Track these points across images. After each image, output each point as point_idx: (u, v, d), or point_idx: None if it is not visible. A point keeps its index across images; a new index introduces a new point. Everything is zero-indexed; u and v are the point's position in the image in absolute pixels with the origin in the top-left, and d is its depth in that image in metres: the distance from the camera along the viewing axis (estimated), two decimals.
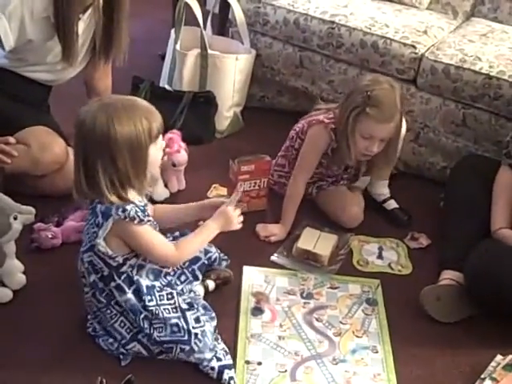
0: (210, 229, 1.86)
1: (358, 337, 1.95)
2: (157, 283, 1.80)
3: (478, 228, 2.17)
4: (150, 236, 1.74)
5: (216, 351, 1.78)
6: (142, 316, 1.76)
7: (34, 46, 2.15)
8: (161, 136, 1.74)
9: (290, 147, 2.43)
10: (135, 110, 1.68)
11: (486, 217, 2.17)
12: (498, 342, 1.95)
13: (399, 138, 2.27)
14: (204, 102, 2.76)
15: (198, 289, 1.96)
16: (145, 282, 1.77)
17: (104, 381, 1.64)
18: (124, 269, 1.76)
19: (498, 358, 1.88)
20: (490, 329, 2.00)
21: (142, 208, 1.73)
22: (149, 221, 1.73)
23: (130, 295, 1.76)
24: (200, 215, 1.96)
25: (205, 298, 1.94)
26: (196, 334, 1.74)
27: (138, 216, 1.69)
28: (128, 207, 1.68)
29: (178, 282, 1.90)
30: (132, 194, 1.71)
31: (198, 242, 1.86)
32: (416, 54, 2.59)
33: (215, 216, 1.87)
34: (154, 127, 1.68)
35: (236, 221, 1.89)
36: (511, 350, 1.90)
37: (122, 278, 1.76)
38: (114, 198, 1.67)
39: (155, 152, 1.72)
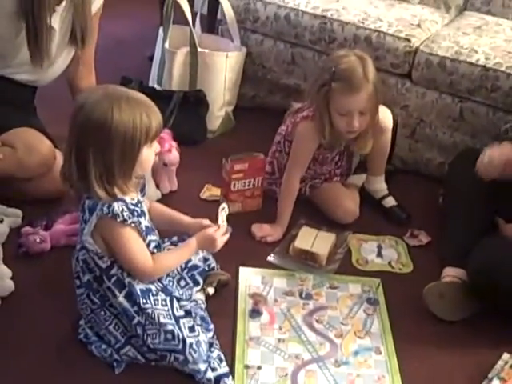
0: (191, 249, 1.79)
1: (360, 338, 1.89)
2: (152, 287, 1.72)
3: (478, 223, 2.11)
4: (130, 240, 1.65)
5: (210, 362, 1.71)
6: (135, 321, 1.68)
7: (6, 44, 2.08)
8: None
9: (278, 152, 2.37)
10: (139, 104, 1.61)
11: (487, 211, 2.13)
12: (504, 340, 1.90)
13: (377, 116, 2.19)
14: (194, 101, 2.70)
15: (200, 297, 1.89)
16: (138, 285, 1.70)
17: None
18: (113, 271, 1.69)
19: (505, 356, 1.83)
20: (495, 327, 1.94)
21: (130, 207, 1.65)
22: (133, 222, 1.64)
23: (121, 299, 1.69)
24: (192, 232, 1.86)
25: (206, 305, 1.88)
26: (191, 344, 1.67)
27: (123, 215, 1.61)
28: (115, 204, 1.61)
29: (178, 287, 1.84)
30: (122, 191, 1.63)
31: (176, 260, 1.79)
32: (410, 47, 2.54)
33: (200, 236, 1.79)
34: (153, 127, 1.61)
35: (220, 244, 1.81)
36: None
37: (112, 280, 1.69)
38: (101, 193, 1.59)
39: (148, 154, 1.65)
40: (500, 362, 1.81)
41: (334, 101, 2.10)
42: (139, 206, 1.70)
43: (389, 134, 2.35)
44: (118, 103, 1.57)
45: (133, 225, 1.64)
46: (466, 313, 1.97)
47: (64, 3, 2.11)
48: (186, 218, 1.90)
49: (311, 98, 2.19)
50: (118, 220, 1.61)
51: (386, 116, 2.30)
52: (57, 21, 2.11)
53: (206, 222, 1.85)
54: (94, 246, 1.67)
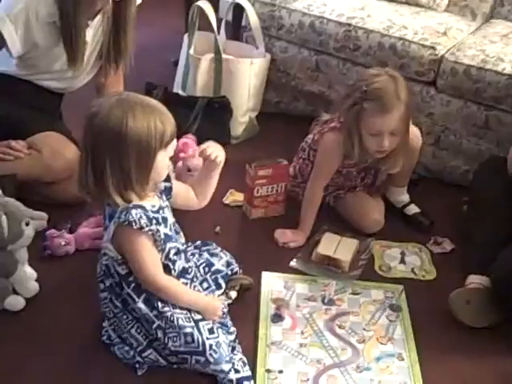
0: (196, 301, 1.75)
1: (382, 344, 1.88)
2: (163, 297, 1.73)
3: (503, 231, 2.09)
4: (143, 249, 1.66)
5: (233, 363, 1.71)
6: (155, 325, 1.69)
7: (41, 53, 2.12)
8: (172, 144, 1.68)
9: (302, 159, 2.37)
10: (152, 111, 1.63)
11: (511, 220, 2.10)
12: None
13: (407, 135, 2.17)
14: (219, 107, 2.71)
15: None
16: None
17: None
18: (132, 278, 1.70)
19: None
20: None
21: (149, 215, 1.66)
22: (150, 230, 1.65)
23: (140, 304, 1.70)
24: (207, 173, 1.90)
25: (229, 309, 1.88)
26: (210, 346, 1.67)
27: (140, 222, 1.62)
28: (133, 211, 1.62)
29: (201, 289, 1.84)
30: (139, 196, 1.64)
31: (182, 295, 1.74)
32: (436, 55, 2.53)
33: (209, 302, 1.78)
34: (167, 133, 1.63)
35: (218, 314, 1.78)
36: None
37: (131, 286, 1.70)
38: (119, 200, 1.61)
39: (163, 159, 1.65)
40: None
41: (365, 121, 2.08)
42: (161, 212, 1.71)
43: (417, 154, 2.33)
44: (132, 110, 1.59)
45: (150, 233, 1.65)
46: (491, 320, 1.95)
47: (98, 17, 2.15)
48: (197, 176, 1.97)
49: (341, 114, 2.17)
50: (135, 227, 1.62)
51: (415, 136, 2.28)
52: (90, 34, 2.15)
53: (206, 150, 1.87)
54: (114, 252, 1.68)
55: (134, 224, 1.62)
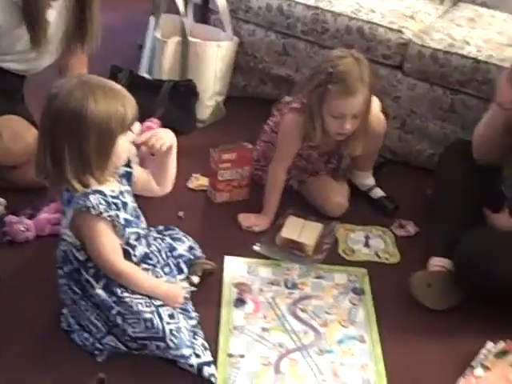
0: (157, 288, 1.72)
1: (344, 327, 1.88)
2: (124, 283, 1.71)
3: (467, 214, 2.10)
4: (102, 234, 1.63)
5: (194, 348, 1.70)
6: (115, 312, 1.67)
7: (3, 33, 2.07)
8: (135, 126, 1.65)
9: (264, 142, 2.37)
10: (114, 94, 1.60)
11: (476, 202, 2.11)
12: (489, 328, 1.89)
13: (368, 118, 2.17)
14: (185, 90, 2.68)
15: (185, 285, 1.86)
16: None
17: (104, 377, 1.56)
18: (91, 264, 1.68)
19: (489, 345, 1.82)
20: (480, 316, 1.94)
21: (109, 200, 1.63)
22: (110, 216, 1.62)
23: (99, 291, 1.68)
24: (160, 162, 1.85)
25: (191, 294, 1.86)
26: (171, 330, 1.66)
27: (98, 207, 1.60)
28: (91, 196, 1.60)
29: (162, 273, 1.82)
30: (99, 181, 1.62)
31: (142, 282, 1.70)
32: (403, 39, 2.52)
33: (170, 289, 1.75)
34: (128, 117, 1.60)
35: (179, 301, 1.76)
36: (502, 336, 1.85)
37: (91, 272, 1.68)
38: (77, 185, 1.59)
39: (123, 143, 1.63)
40: (483, 351, 1.80)
41: (328, 103, 2.07)
42: (120, 197, 1.69)
43: (381, 139, 2.34)
44: (93, 93, 1.56)
45: (109, 218, 1.63)
46: (451, 302, 1.97)
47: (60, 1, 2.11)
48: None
49: (304, 96, 2.16)
50: (93, 213, 1.60)
51: (380, 122, 2.29)
52: (53, 14, 2.11)
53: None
54: (73, 238, 1.66)
55: (92, 210, 1.60)
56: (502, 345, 1.81)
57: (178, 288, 1.79)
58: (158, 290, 1.73)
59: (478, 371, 1.73)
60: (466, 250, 1.93)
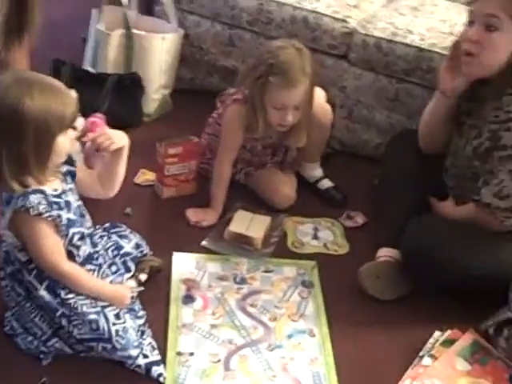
0: (103, 290, 1.69)
1: (294, 321, 1.88)
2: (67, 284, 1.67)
3: (413, 203, 2.11)
4: (43, 236, 1.59)
5: (142, 348, 1.68)
6: (59, 313, 1.64)
7: None
8: (79, 121, 1.61)
9: (209, 135, 2.35)
10: (52, 91, 1.55)
11: (422, 192, 2.13)
12: (437, 317, 1.91)
13: (311, 109, 2.16)
14: (130, 84, 2.64)
15: (132, 284, 1.84)
16: None
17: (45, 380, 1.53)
18: (33, 265, 1.64)
19: (436, 334, 1.85)
20: (428, 305, 1.96)
21: (50, 200, 1.59)
22: (50, 216, 1.58)
23: (42, 292, 1.64)
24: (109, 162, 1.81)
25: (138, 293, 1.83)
26: (117, 331, 1.63)
27: (38, 208, 1.56)
28: (31, 196, 1.55)
29: (109, 273, 1.79)
30: (38, 181, 1.58)
31: (88, 283, 1.67)
32: (347, 28, 2.52)
33: (116, 290, 1.73)
34: (67, 115, 1.56)
35: (125, 303, 1.73)
36: (449, 325, 1.87)
37: (33, 274, 1.64)
38: (15, 185, 1.54)
39: (63, 142, 1.58)
40: (431, 340, 1.83)
41: (269, 94, 2.06)
42: (63, 196, 1.65)
43: (327, 130, 2.34)
44: (31, 90, 1.51)
45: (49, 219, 1.59)
46: (400, 292, 1.99)
47: None
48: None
49: (246, 87, 2.15)
50: (33, 213, 1.56)
51: (326, 113, 2.29)
52: None
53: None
54: (13, 238, 1.62)
55: (31, 210, 1.55)
56: (448, 333, 1.83)
57: (125, 289, 1.76)
58: (104, 291, 1.70)
59: (426, 360, 1.75)
60: (411, 239, 1.95)
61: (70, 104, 1.58)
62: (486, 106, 1.92)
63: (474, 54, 1.87)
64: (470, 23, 1.88)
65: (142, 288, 1.83)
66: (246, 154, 2.30)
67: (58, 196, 1.63)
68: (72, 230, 1.67)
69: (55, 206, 1.61)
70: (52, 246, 1.62)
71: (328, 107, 2.29)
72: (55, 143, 1.57)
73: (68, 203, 1.66)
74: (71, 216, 1.67)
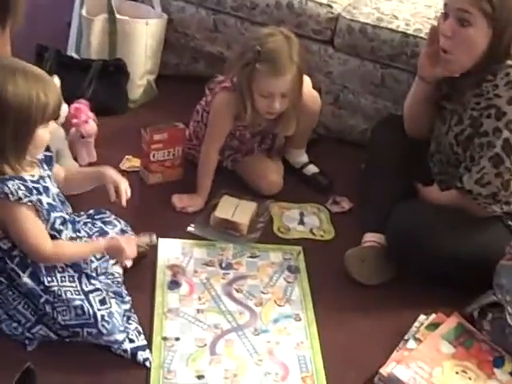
0: (96, 248, 1.74)
1: (280, 306, 1.88)
2: (58, 264, 1.67)
3: (399, 188, 2.12)
4: (25, 220, 1.58)
5: (128, 332, 1.68)
6: (43, 300, 1.63)
7: None
8: (63, 108, 1.60)
9: (197, 122, 2.33)
10: (37, 80, 1.54)
11: (408, 177, 2.14)
12: (422, 302, 1.92)
13: (299, 96, 2.15)
14: (114, 70, 2.62)
15: (117, 270, 1.84)
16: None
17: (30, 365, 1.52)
18: (15, 252, 1.64)
19: (421, 318, 1.86)
20: (413, 289, 1.97)
21: (29, 185, 1.58)
22: (31, 201, 1.57)
23: (25, 279, 1.63)
24: (100, 183, 1.83)
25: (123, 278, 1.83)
26: (102, 316, 1.63)
27: (17, 193, 1.55)
28: (9, 182, 1.54)
29: (94, 259, 1.77)
30: (14, 170, 1.56)
31: (77, 253, 1.70)
32: (332, 13, 2.51)
33: (110, 242, 1.74)
34: (50, 106, 1.54)
35: (129, 256, 1.76)
36: (434, 309, 1.88)
37: (15, 261, 1.64)
38: None
39: (43, 134, 1.57)
40: (416, 324, 1.84)
41: (257, 81, 2.05)
42: (41, 182, 1.64)
43: (316, 117, 2.34)
44: (13, 77, 1.50)
45: (29, 204, 1.58)
46: (385, 277, 1.99)
47: None
48: (91, 172, 1.92)
49: (233, 74, 2.14)
50: (12, 199, 1.55)
51: (315, 100, 2.28)
52: None
53: (107, 170, 1.83)
54: None
55: (10, 196, 1.54)
56: (433, 317, 1.84)
57: (116, 240, 1.76)
58: (97, 250, 1.74)
59: (411, 343, 1.76)
60: (396, 224, 1.95)
61: (54, 94, 1.56)
62: (467, 92, 1.93)
63: (449, 51, 1.86)
64: (445, 15, 1.87)
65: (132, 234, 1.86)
66: (234, 141, 2.29)
67: (36, 181, 1.62)
68: (53, 215, 1.66)
69: (35, 192, 1.60)
70: (33, 230, 1.61)
71: (316, 94, 2.29)
72: (35, 134, 1.55)
73: (46, 189, 1.65)
74: (51, 201, 1.66)
